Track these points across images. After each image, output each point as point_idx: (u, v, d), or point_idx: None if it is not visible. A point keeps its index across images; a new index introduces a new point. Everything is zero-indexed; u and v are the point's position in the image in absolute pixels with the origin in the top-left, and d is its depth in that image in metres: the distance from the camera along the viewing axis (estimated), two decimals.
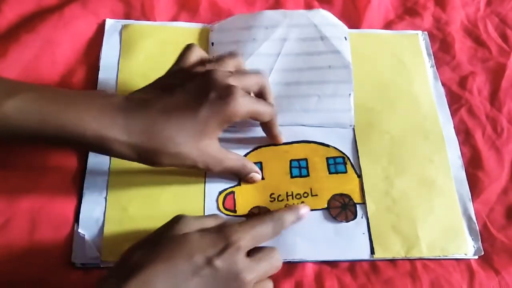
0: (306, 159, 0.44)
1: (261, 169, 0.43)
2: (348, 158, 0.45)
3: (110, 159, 0.43)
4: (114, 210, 0.41)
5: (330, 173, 0.44)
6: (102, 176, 0.43)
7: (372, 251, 0.42)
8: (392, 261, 0.42)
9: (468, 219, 0.44)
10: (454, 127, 0.49)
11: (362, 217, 0.43)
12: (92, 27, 0.51)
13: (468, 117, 0.50)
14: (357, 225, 0.43)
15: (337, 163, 0.44)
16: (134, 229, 0.41)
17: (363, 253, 0.42)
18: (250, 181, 0.42)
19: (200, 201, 0.42)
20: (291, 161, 0.44)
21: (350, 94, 0.47)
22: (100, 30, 0.51)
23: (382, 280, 0.41)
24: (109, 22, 0.51)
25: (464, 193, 0.46)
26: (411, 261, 0.42)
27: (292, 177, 0.43)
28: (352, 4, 0.56)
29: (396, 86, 0.50)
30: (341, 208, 0.43)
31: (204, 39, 0.51)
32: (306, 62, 0.48)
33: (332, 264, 0.42)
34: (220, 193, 0.42)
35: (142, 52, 0.50)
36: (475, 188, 0.46)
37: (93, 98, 0.36)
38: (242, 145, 0.45)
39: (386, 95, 0.50)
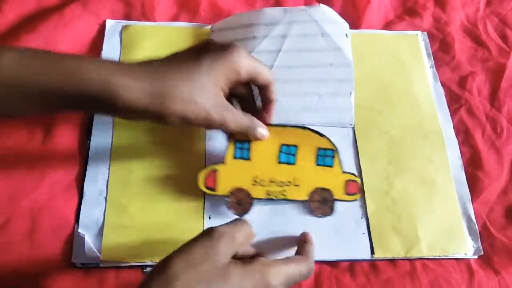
0: (296, 146, 0.42)
1: (249, 149, 0.42)
2: (338, 152, 0.42)
3: (110, 160, 0.43)
4: (114, 210, 0.41)
5: (317, 164, 0.42)
6: (102, 176, 0.43)
7: (372, 251, 0.42)
8: (392, 261, 0.42)
9: (468, 219, 0.44)
10: (453, 127, 0.49)
11: (362, 217, 0.43)
12: (93, 27, 0.51)
13: (468, 117, 0.50)
14: (357, 225, 0.43)
15: (326, 156, 0.42)
16: (134, 229, 0.41)
17: (363, 253, 0.42)
18: (259, 136, 0.40)
19: (200, 200, 0.42)
20: (281, 145, 0.42)
21: (351, 93, 0.47)
22: (100, 31, 0.51)
23: (381, 280, 0.41)
24: (109, 23, 0.51)
25: (464, 193, 0.46)
26: (411, 261, 0.42)
27: (279, 162, 0.42)
28: (352, 4, 0.56)
29: (395, 87, 0.50)
30: (320, 203, 0.42)
31: (204, 39, 0.51)
32: (306, 59, 0.48)
33: (332, 264, 0.42)
34: (203, 170, 0.41)
35: (143, 53, 0.50)
36: (475, 188, 0.46)
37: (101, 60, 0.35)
38: None
39: (386, 95, 0.50)
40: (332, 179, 0.42)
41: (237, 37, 0.49)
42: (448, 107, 0.50)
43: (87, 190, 0.42)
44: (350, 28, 0.51)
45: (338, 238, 0.42)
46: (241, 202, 0.41)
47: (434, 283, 0.41)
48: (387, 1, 0.57)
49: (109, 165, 0.43)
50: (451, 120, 0.50)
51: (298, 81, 0.48)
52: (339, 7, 0.56)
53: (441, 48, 0.55)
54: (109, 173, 0.43)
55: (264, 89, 0.40)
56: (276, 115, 0.47)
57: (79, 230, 0.40)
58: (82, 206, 0.41)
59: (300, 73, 0.48)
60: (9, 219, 0.40)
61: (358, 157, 0.46)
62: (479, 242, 0.43)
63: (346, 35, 0.49)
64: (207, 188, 0.41)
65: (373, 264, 0.42)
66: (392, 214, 0.43)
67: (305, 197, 0.42)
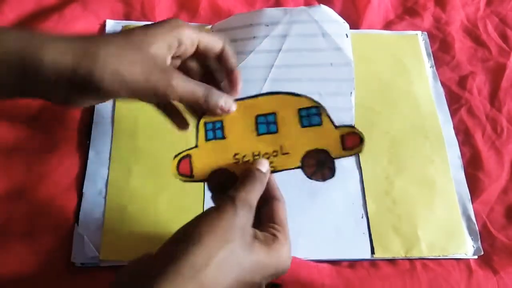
0: (274, 113, 0.38)
1: (222, 128, 0.37)
2: (324, 109, 0.39)
3: (109, 160, 0.43)
4: (113, 210, 0.41)
5: (302, 126, 0.38)
6: (101, 176, 0.43)
7: (372, 251, 0.42)
8: (392, 260, 0.42)
9: (468, 219, 0.44)
10: (453, 127, 0.49)
11: (362, 217, 0.43)
12: (93, 27, 0.51)
13: (468, 117, 0.50)
14: (358, 225, 0.43)
15: (311, 115, 0.39)
16: (133, 229, 0.41)
17: (364, 253, 0.42)
18: (221, 110, 0.34)
19: (199, 200, 0.43)
20: (257, 116, 0.38)
21: (351, 93, 0.47)
22: (100, 31, 0.51)
23: (381, 278, 0.41)
24: (109, 23, 0.51)
25: (464, 193, 0.46)
26: (411, 260, 0.42)
27: (258, 134, 0.37)
28: (352, 4, 0.56)
29: (395, 87, 0.50)
30: (317, 166, 0.37)
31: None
32: (307, 59, 0.48)
33: (333, 263, 0.42)
34: (175, 157, 0.37)
35: None
36: (475, 188, 0.46)
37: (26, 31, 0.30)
38: None
39: (386, 95, 0.50)
40: (324, 138, 0.38)
41: (237, 37, 0.49)
42: (448, 107, 0.50)
43: (86, 190, 0.42)
44: (350, 28, 0.51)
45: (338, 237, 0.42)
46: (224, 182, 0.36)
47: (433, 283, 0.41)
48: (387, 1, 0.57)
49: (109, 165, 0.43)
50: (451, 120, 0.50)
51: (298, 81, 0.47)
52: (339, 7, 0.56)
53: (441, 48, 0.55)
54: (108, 173, 0.43)
55: (220, 60, 0.36)
56: None
57: (78, 230, 0.40)
58: (81, 206, 0.41)
59: (300, 72, 0.47)
60: (9, 219, 0.40)
61: (359, 157, 0.46)
62: (479, 242, 0.43)
63: (347, 35, 0.49)
64: (182, 175, 0.37)
65: (373, 262, 0.42)
66: (392, 214, 0.43)
67: (297, 164, 0.37)
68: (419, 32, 0.55)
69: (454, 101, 0.51)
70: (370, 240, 0.42)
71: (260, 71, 0.47)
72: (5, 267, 0.38)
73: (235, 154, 0.37)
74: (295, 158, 0.37)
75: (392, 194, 0.44)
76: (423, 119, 0.49)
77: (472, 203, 0.45)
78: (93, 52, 0.29)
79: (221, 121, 0.37)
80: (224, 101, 0.34)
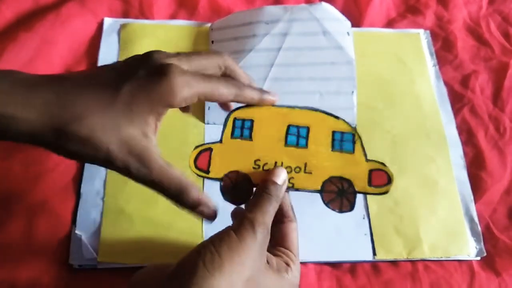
0: (308, 128, 0.36)
1: (251, 128, 0.35)
2: (359, 137, 0.36)
3: None
4: (111, 211, 0.41)
5: (333, 149, 0.35)
6: (99, 177, 0.42)
7: (374, 252, 0.41)
8: (394, 262, 0.42)
9: (470, 220, 0.44)
10: (456, 127, 0.49)
11: (364, 218, 0.43)
12: (90, 26, 0.51)
13: (471, 116, 0.50)
14: (359, 226, 0.42)
15: (344, 140, 0.36)
16: (131, 230, 0.40)
17: (365, 254, 0.41)
18: (198, 201, 0.31)
19: None
20: (289, 126, 0.35)
21: (353, 92, 0.47)
22: (98, 29, 0.51)
23: (382, 281, 0.41)
24: (107, 21, 0.51)
25: (466, 193, 0.45)
26: (413, 262, 0.42)
27: (286, 145, 0.35)
28: (354, 2, 0.55)
29: (398, 85, 0.50)
30: (337, 194, 0.35)
31: (203, 37, 0.51)
32: (308, 58, 0.47)
33: (333, 265, 0.41)
34: (195, 148, 0.35)
35: (141, 51, 0.48)
36: (478, 189, 0.46)
37: (4, 75, 0.27)
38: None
39: (388, 94, 0.49)
40: (352, 168, 0.35)
41: (237, 35, 0.49)
42: (451, 106, 0.50)
43: (84, 190, 0.42)
44: (352, 26, 0.51)
45: (340, 239, 0.42)
46: (238, 187, 0.34)
47: (435, 285, 0.41)
48: None
49: None
50: (453, 119, 0.49)
51: (299, 80, 0.47)
52: (340, 5, 0.55)
53: (443, 47, 0.54)
54: (106, 174, 0.43)
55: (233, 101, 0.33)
56: None
57: (76, 231, 0.40)
58: (79, 207, 0.41)
59: (301, 71, 0.47)
60: (6, 220, 0.40)
61: None
62: (482, 243, 0.43)
63: (348, 33, 0.48)
64: (199, 169, 0.34)
65: (374, 264, 0.42)
66: (394, 215, 0.43)
67: (318, 187, 0.35)
68: (421, 31, 0.55)
69: (457, 100, 0.51)
70: (371, 242, 0.42)
71: (260, 69, 0.47)
72: (2, 268, 0.38)
73: (257, 160, 0.35)
74: (317, 180, 0.35)
75: (394, 195, 0.44)
76: (426, 119, 0.48)
77: (474, 203, 0.45)
78: (57, 131, 0.27)
79: (252, 121, 0.35)
80: (201, 194, 0.31)
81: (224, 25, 0.50)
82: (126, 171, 0.28)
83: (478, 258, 0.43)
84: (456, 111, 0.50)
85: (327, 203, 0.35)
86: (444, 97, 0.50)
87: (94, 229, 0.40)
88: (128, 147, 0.28)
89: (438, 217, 0.43)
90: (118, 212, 0.41)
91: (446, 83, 0.51)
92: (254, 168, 0.34)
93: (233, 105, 0.35)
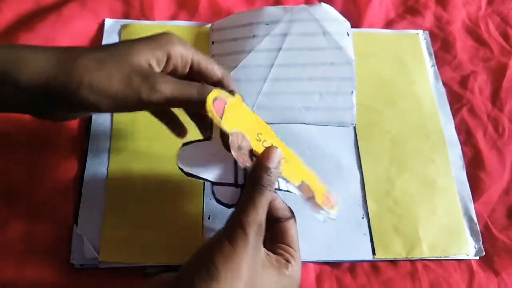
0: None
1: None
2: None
3: (108, 160, 0.43)
4: (112, 211, 0.41)
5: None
6: (100, 177, 0.43)
7: (373, 252, 0.41)
8: (393, 261, 0.42)
9: (469, 219, 0.44)
10: (455, 127, 0.49)
11: (363, 218, 0.43)
12: (91, 26, 0.51)
13: (469, 117, 0.50)
14: (358, 226, 0.43)
15: None
16: (132, 230, 0.40)
17: (364, 254, 0.42)
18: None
19: (199, 200, 0.42)
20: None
21: (352, 92, 0.47)
22: (99, 30, 0.51)
23: (382, 280, 0.41)
24: (108, 22, 0.51)
25: (465, 193, 0.45)
26: (412, 261, 0.42)
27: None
28: (353, 3, 0.56)
29: (397, 86, 0.50)
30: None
31: (204, 38, 0.51)
32: (307, 58, 0.47)
33: (333, 264, 0.42)
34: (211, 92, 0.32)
35: None
36: (477, 189, 0.46)
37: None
38: None
39: (387, 95, 0.50)
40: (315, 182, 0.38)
41: (237, 36, 0.49)
42: (450, 107, 0.50)
43: (85, 190, 0.42)
44: (351, 27, 0.51)
45: (339, 238, 0.42)
46: (241, 148, 0.33)
47: (434, 284, 0.41)
48: None
49: (108, 166, 0.43)
50: (452, 119, 0.49)
51: (299, 80, 0.47)
52: (340, 6, 0.56)
53: (442, 47, 0.54)
54: (107, 174, 0.43)
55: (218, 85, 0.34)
56: (277, 114, 0.47)
57: (77, 231, 0.40)
58: (80, 206, 0.41)
59: (301, 71, 0.47)
60: (7, 220, 0.40)
61: (359, 156, 0.46)
62: (481, 243, 0.43)
63: (347, 34, 0.49)
64: (215, 112, 0.32)
65: (373, 264, 0.42)
66: (394, 214, 0.43)
67: (297, 183, 0.36)
68: (420, 31, 0.55)
69: (456, 100, 0.51)
70: (371, 241, 0.42)
71: (260, 70, 0.47)
72: (3, 268, 0.38)
73: (259, 133, 0.35)
74: (296, 178, 0.36)
75: (393, 194, 0.44)
76: (424, 119, 0.49)
77: (473, 203, 0.45)
78: (69, 66, 0.28)
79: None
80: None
81: (224, 26, 0.51)
82: (138, 100, 0.29)
83: (477, 257, 0.43)
84: (455, 111, 0.50)
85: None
86: (443, 98, 0.51)
87: (95, 229, 0.40)
88: (147, 72, 0.30)
89: (437, 216, 0.44)
90: (119, 212, 0.41)
91: (445, 84, 0.52)
92: (257, 140, 0.34)
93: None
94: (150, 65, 0.30)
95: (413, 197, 0.44)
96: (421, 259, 0.42)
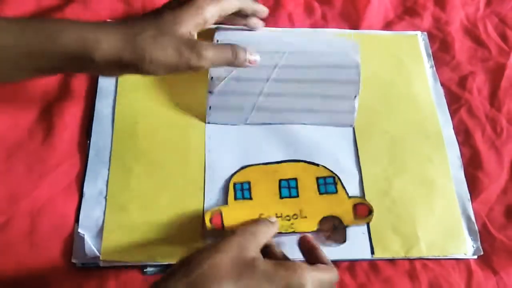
0: (296, 179, 0.43)
1: (249, 189, 0.43)
2: (339, 178, 0.44)
3: (110, 160, 0.43)
4: (114, 210, 0.41)
5: (320, 193, 0.43)
6: (102, 176, 0.43)
7: (372, 251, 0.42)
8: (392, 261, 0.42)
9: (467, 219, 0.44)
10: (453, 127, 0.49)
11: None
12: None
13: (468, 117, 0.50)
14: (357, 225, 0.43)
15: (327, 183, 0.43)
16: (133, 229, 0.41)
17: (363, 253, 0.42)
18: (249, 63, 0.40)
19: (199, 201, 0.43)
20: (280, 180, 0.43)
21: (355, 96, 0.47)
22: None
23: (381, 279, 0.41)
24: None
25: (463, 193, 0.46)
26: (411, 260, 0.42)
27: (281, 197, 0.42)
28: (352, 4, 0.56)
29: (395, 87, 0.50)
30: (331, 232, 0.42)
31: (208, 37, 0.51)
32: (312, 60, 0.47)
33: (332, 263, 0.42)
34: (207, 210, 0.41)
35: None
36: (475, 188, 0.46)
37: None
38: (227, 165, 0.44)
39: (386, 95, 0.50)
40: (339, 206, 0.42)
41: (242, 36, 0.49)
42: (448, 107, 0.50)
43: (87, 189, 0.42)
44: (350, 28, 0.51)
45: None
46: None
47: (433, 283, 0.41)
48: (387, 1, 0.57)
49: (109, 165, 0.43)
50: (451, 120, 0.50)
51: (302, 82, 0.47)
52: (339, 8, 0.56)
53: (441, 48, 0.55)
54: (109, 173, 0.43)
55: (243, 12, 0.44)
56: (277, 115, 0.47)
57: (79, 230, 0.40)
58: (82, 206, 0.41)
59: (305, 73, 0.47)
60: (9, 219, 0.40)
61: (358, 157, 0.46)
62: (479, 242, 0.43)
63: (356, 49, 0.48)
64: (215, 227, 0.41)
65: (372, 263, 0.42)
66: (392, 214, 0.43)
67: (314, 228, 0.41)
68: (418, 32, 0.55)
69: (454, 101, 0.51)
70: (369, 240, 0.42)
71: (263, 70, 0.46)
72: (5, 267, 0.38)
73: (261, 214, 0.42)
74: (313, 222, 0.42)
75: (392, 194, 0.44)
76: (423, 119, 0.49)
77: (471, 203, 0.45)
78: (132, 44, 0.35)
79: (249, 183, 0.43)
80: (249, 53, 0.40)
81: (229, 26, 0.51)
82: (188, 66, 0.36)
83: (475, 256, 0.43)
84: (453, 112, 0.50)
85: (323, 240, 0.41)
86: (441, 98, 0.51)
87: (97, 228, 0.40)
88: (192, 42, 0.37)
89: (436, 216, 0.44)
90: (120, 211, 0.41)
91: (443, 84, 0.52)
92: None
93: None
94: (191, 34, 0.37)
95: (411, 197, 0.44)
96: (420, 258, 0.42)
